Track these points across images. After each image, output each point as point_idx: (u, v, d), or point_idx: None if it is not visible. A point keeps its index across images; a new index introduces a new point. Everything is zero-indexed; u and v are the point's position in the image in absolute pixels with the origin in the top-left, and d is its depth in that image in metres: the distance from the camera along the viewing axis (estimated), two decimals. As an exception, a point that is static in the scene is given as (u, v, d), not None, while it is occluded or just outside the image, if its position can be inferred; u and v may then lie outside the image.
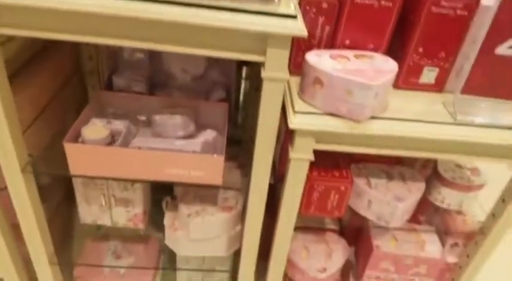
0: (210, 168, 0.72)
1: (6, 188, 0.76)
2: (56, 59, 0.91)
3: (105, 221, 0.93)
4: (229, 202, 0.88)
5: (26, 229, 0.79)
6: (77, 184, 0.86)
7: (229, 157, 0.89)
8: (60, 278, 0.92)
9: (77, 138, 0.73)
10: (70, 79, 1.00)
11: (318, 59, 0.68)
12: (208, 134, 0.77)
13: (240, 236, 0.91)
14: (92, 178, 0.72)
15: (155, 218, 1.03)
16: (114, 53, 0.89)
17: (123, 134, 0.73)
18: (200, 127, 0.83)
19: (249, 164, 0.74)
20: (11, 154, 0.69)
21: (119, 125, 0.74)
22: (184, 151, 0.72)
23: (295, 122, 0.64)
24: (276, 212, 0.81)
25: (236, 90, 0.93)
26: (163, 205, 0.95)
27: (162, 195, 0.96)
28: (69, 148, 0.67)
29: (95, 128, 0.71)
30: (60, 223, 1.16)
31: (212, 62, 0.89)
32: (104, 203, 0.89)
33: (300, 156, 0.69)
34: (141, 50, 0.88)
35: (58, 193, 1.08)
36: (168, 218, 0.91)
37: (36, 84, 0.80)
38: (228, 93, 0.90)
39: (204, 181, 0.73)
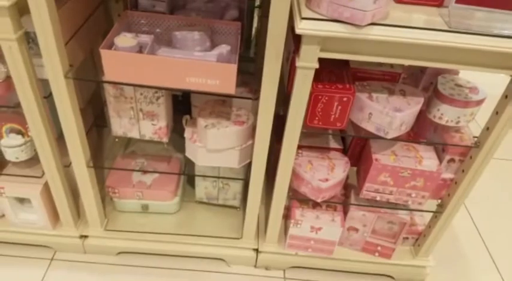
0: (225, 76, 0.80)
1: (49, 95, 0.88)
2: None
3: (134, 133, 1.04)
4: (241, 118, 0.98)
5: (68, 132, 0.91)
6: (109, 97, 0.96)
7: (241, 83, 0.98)
8: (95, 181, 1.06)
9: (110, 48, 0.82)
10: (98, 6, 1.08)
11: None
12: (223, 48, 0.84)
13: (250, 150, 1.01)
14: (122, 84, 0.81)
15: (176, 140, 1.15)
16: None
17: (149, 45, 0.82)
18: (215, 44, 0.91)
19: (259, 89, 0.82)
20: (56, 62, 0.80)
21: (146, 38, 0.83)
22: (202, 61, 0.80)
23: (302, 27, 0.71)
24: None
25: (248, 13, 0.99)
26: (184, 121, 1.05)
27: (182, 115, 1.07)
28: (105, 54, 0.77)
29: (126, 38, 0.80)
30: (95, 137, 1.30)
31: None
32: (132, 116, 1.00)
33: (306, 64, 0.76)
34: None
35: (94, 110, 1.20)
36: (188, 132, 1.02)
37: (73, 4, 0.89)
38: (240, 14, 0.96)
39: (219, 89, 0.82)
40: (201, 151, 0.99)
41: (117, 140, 1.07)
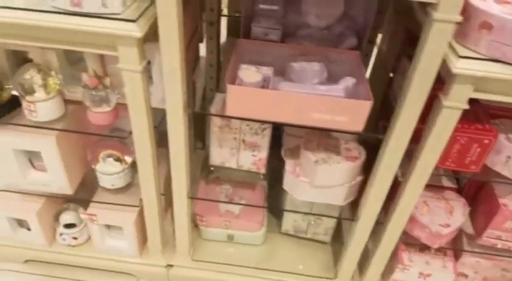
0: (355, 113, 0.74)
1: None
2: (190, 9, 0.96)
3: (232, 163, 0.99)
4: (352, 153, 0.91)
5: (176, 163, 0.88)
6: (214, 127, 0.92)
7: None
8: (190, 211, 1.02)
9: (233, 82, 0.77)
10: (195, 32, 1.05)
11: (483, 3, 0.66)
12: (348, 81, 0.78)
13: (357, 188, 0.94)
14: (245, 119, 0.77)
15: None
16: (251, 1, 0.92)
17: (271, 79, 0.77)
18: (331, 76, 0.85)
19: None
20: (178, 92, 0.76)
21: (267, 71, 0.78)
22: (330, 96, 0.74)
23: (459, 66, 0.63)
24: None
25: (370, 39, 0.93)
26: (282, 152, 1.00)
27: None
28: (232, 90, 0.72)
29: (250, 73, 0.75)
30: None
31: (348, 7, 0.89)
32: (234, 146, 0.95)
33: (455, 104, 0.69)
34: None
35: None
36: (289, 165, 0.96)
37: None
38: (359, 42, 0.90)
39: (346, 126, 0.76)
40: (304, 186, 0.93)
41: (212, 169, 1.03)
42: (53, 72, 0.82)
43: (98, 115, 0.84)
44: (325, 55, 0.86)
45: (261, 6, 0.89)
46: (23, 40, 0.72)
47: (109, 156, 0.98)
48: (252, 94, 0.73)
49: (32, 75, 0.80)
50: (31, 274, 1.14)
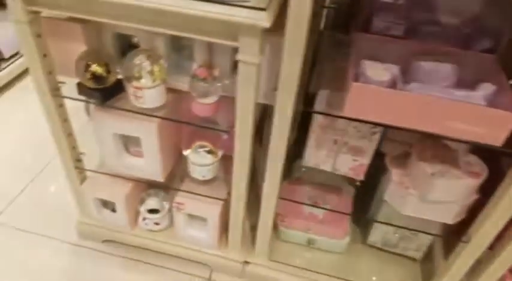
0: (498, 125, 0.65)
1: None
2: None
3: (326, 166, 0.93)
4: (473, 168, 0.81)
5: (273, 161, 0.83)
6: (316, 127, 0.87)
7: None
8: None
9: (356, 80, 0.70)
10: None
11: None
12: (488, 88, 0.69)
13: (470, 205, 0.85)
14: (365, 122, 0.70)
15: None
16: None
17: (399, 79, 0.69)
18: (460, 80, 0.75)
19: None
20: (292, 90, 0.71)
21: (394, 69, 0.70)
22: (470, 103, 0.65)
23: None
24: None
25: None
26: (387, 161, 0.92)
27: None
28: (357, 88, 0.66)
29: (377, 70, 0.68)
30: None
31: (484, 5, 0.79)
32: (334, 148, 0.89)
33: None
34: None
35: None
36: (396, 175, 0.88)
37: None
38: (494, 45, 0.79)
39: (483, 139, 0.67)
40: (412, 200, 0.85)
41: (304, 169, 0.97)
42: (161, 60, 0.80)
43: (203, 106, 0.81)
44: (454, 56, 0.77)
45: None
46: (139, 23, 0.70)
47: (201, 147, 0.96)
48: (380, 94, 0.66)
49: (141, 61, 0.78)
50: (109, 254, 1.17)
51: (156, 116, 0.84)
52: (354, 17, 0.92)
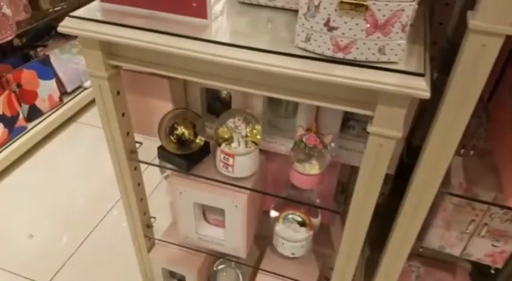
0: None
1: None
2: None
3: (454, 250, 0.75)
4: None
5: (404, 240, 0.66)
6: (448, 204, 0.70)
7: None
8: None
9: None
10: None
11: None
12: None
13: None
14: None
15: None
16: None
17: None
18: None
19: None
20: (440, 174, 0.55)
21: None
22: None
23: None
24: None
25: None
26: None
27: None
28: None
29: None
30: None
31: None
32: (467, 230, 0.71)
33: None
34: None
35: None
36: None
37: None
38: None
39: None
40: None
41: (420, 249, 0.80)
42: (259, 124, 0.66)
43: (306, 178, 0.66)
44: None
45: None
46: (242, 86, 0.57)
47: (292, 216, 0.81)
48: None
49: (236, 124, 0.66)
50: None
51: (246, 188, 0.70)
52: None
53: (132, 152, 0.74)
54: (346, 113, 0.67)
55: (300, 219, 0.80)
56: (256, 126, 0.66)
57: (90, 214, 1.35)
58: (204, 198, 0.73)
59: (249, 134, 0.66)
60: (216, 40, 0.53)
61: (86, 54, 0.63)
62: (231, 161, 0.66)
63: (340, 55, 0.48)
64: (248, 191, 0.70)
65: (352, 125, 0.70)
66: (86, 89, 1.84)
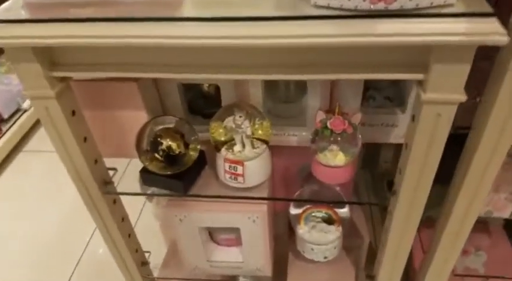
0: None
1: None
2: None
3: (504, 213, 0.66)
4: None
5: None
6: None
7: None
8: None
9: None
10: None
11: None
12: None
13: None
14: None
15: None
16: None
17: None
18: None
19: None
20: None
21: None
22: None
23: None
24: None
25: None
26: None
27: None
28: None
29: None
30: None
31: None
32: (518, 191, 0.63)
33: None
34: None
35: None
36: None
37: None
38: None
39: None
40: None
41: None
42: (266, 122, 0.52)
43: (335, 171, 0.54)
44: None
45: None
46: (247, 73, 0.42)
47: (316, 214, 0.69)
48: None
49: (237, 122, 0.52)
50: None
51: (264, 198, 0.57)
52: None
53: (106, 184, 0.58)
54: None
55: (325, 215, 0.68)
56: (264, 123, 0.52)
57: (67, 246, 1.16)
58: (212, 220, 0.59)
59: (256, 133, 0.52)
60: (200, 16, 0.39)
61: (20, 71, 0.45)
62: (240, 169, 0.53)
63: (380, 6, 0.35)
64: (266, 202, 0.57)
65: (372, 95, 0.58)
66: (26, 110, 1.58)
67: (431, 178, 0.48)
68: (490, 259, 0.82)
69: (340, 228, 0.67)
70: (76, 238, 1.18)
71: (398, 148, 0.55)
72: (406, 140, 0.47)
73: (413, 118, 0.45)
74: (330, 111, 0.51)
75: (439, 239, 0.59)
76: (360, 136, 0.52)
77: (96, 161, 0.56)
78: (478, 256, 0.81)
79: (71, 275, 1.09)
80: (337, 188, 0.67)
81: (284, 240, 0.80)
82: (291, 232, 0.85)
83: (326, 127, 0.50)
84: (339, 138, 0.50)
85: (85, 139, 0.53)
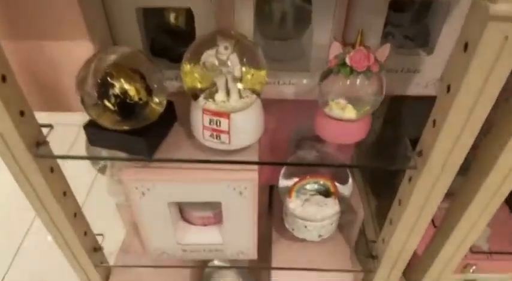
0: None
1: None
2: None
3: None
4: None
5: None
6: None
7: None
8: None
9: None
10: None
11: None
12: None
13: None
14: None
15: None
16: None
17: None
18: None
19: None
20: None
21: None
22: None
23: None
24: None
25: None
26: None
27: None
28: None
29: None
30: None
31: None
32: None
33: None
34: None
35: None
36: None
37: None
38: None
39: None
40: None
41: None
42: (259, 50, 0.39)
43: (350, 126, 0.42)
44: None
45: None
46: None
47: (310, 187, 0.57)
48: None
49: (221, 58, 0.37)
50: None
51: (254, 163, 0.44)
52: None
53: (38, 145, 0.42)
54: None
55: (321, 187, 0.57)
56: (258, 55, 0.38)
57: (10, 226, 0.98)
58: (184, 193, 0.45)
59: (247, 74, 0.38)
60: None
61: None
62: (224, 123, 0.39)
63: None
64: (256, 168, 0.44)
65: (391, 31, 0.46)
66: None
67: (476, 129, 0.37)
68: (493, 233, 0.76)
69: (337, 201, 0.56)
70: (20, 216, 1.00)
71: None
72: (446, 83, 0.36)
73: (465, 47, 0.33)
74: (349, 44, 0.38)
75: (461, 215, 0.50)
76: (384, 80, 0.40)
77: (22, 113, 0.40)
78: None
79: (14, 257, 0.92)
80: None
81: (264, 218, 0.68)
82: (271, 208, 0.74)
83: (344, 64, 0.37)
84: (362, 78, 0.38)
85: (3, 78, 0.37)
